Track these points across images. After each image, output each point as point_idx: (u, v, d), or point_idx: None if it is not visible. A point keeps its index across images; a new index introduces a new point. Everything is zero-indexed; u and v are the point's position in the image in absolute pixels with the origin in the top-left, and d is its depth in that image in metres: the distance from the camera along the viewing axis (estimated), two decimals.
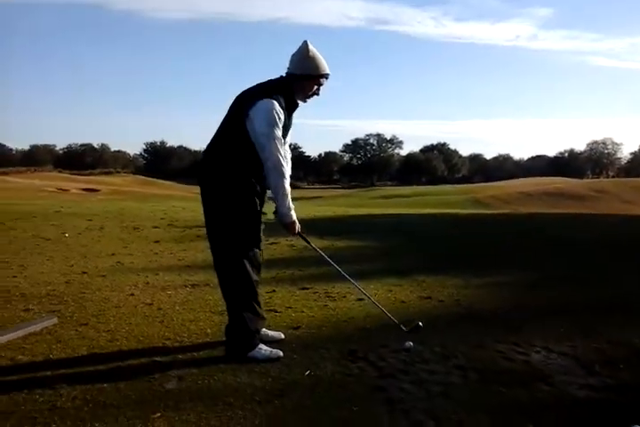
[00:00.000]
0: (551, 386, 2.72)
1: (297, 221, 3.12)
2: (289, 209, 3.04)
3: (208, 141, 3.17)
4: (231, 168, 3.04)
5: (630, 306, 4.31)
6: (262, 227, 3.21)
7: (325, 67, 3.09)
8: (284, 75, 3.11)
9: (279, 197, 3.02)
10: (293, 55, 3.09)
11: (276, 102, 2.93)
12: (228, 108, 3.11)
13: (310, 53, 3.05)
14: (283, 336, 3.36)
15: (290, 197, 3.06)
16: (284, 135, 3.10)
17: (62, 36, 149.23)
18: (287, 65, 3.11)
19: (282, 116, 2.96)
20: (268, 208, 3.19)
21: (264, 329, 3.27)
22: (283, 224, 3.11)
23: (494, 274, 5.64)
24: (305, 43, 3.07)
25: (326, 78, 3.13)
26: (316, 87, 3.12)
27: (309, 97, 3.16)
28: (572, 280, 5.31)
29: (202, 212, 3.15)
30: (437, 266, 6.01)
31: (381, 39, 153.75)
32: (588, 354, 3.18)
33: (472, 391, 2.65)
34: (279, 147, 2.95)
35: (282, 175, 2.98)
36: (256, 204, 3.09)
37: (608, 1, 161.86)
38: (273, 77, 3.13)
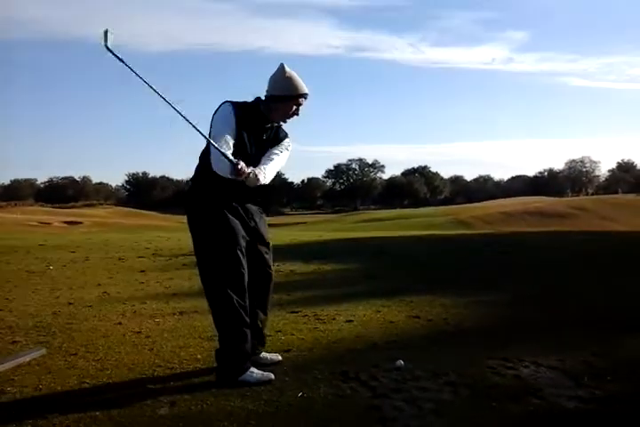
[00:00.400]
0: (541, 399, 2.75)
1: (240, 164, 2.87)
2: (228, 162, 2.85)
3: (192, 170, 3.25)
4: (206, 190, 3.09)
5: (611, 321, 4.37)
6: (264, 250, 3.26)
7: (303, 87, 3.16)
8: (263, 97, 3.19)
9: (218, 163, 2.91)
10: (271, 77, 3.17)
11: (231, 103, 3.08)
12: None
13: (287, 74, 3.13)
14: (280, 358, 3.37)
15: (226, 153, 2.87)
16: (259, 148, 3.14)
17: (41, 70, 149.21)
18: (266, 88, 3.19)
19: (230, 113, 3.03)
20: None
21: (263, 353, 3.30)
22: (236, 176, 2.89)
23: (479, 293, 5.68)
24: (281, 64, 3.16)
25: (305, 98, 3.19)
26: (295, 107, 3.19)
27: (290, 117, 3.23)
28: (555, 297, 5.40)
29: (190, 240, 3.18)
30: (424, 287, 6.06)
31: (360, 66, 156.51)
32: (575, 367, 3.22)
33: (464, 407, 2.67)
34: (219, 140, 2.91)
35: (218, 157, 2.88)
36: (235, 225, 3.06)
37: (580, 22, 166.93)
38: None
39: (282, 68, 3.14)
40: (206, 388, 2.91)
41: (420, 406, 2.68)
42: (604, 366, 3.22)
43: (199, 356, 3.49)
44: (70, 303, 5.31)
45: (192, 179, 3.24)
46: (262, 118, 3.17)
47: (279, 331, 4.12)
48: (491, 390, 2.88)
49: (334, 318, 4.53)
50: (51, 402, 2.75)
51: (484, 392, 2.84)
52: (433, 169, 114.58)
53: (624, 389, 2.89)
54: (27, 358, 3.41)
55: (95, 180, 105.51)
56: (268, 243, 3.32)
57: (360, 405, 2.69)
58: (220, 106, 3.12)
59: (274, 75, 3.16)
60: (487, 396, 2.80)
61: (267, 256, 3.29)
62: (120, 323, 4.45)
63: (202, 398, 2.77)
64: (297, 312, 4.75)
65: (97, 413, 2.59)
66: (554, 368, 3.20)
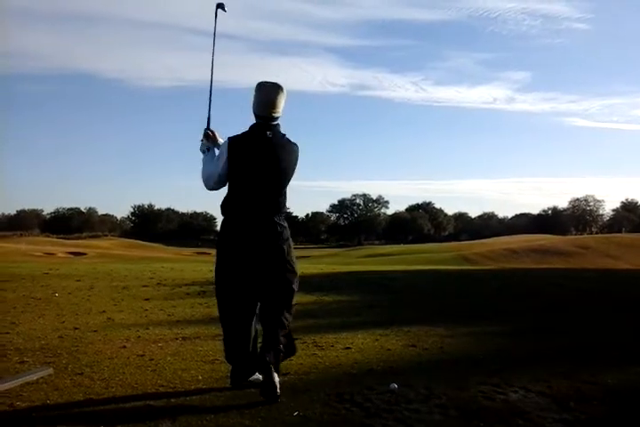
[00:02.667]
0: (527, 421, 2.87)
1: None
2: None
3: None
4: (223, 224, 3.47)
5: (603, 353, 4.47)
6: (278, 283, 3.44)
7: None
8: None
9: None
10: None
11: (225, 140, 3.46)
12: None
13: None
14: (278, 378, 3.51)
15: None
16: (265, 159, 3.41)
17: (48, 103, 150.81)
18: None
19: (224, 148, 3.42)
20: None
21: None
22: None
23: (477, 325, 5.80)
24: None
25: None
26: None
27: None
28: (550, 330, 5.48)
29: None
30: (423, 318, 6.17)
31: (364, 104, 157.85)
32: (563, 392, 3.33)
33: None
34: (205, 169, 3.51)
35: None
36: (236, 259, 3.39)
37: (582, 64, 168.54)
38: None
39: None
40: (206, 406, 3.05)
41: (411, 426, 2.79)
42: (592, 393, 3.33)
43: (200, 377, 3.62)
44: (76, 328, 5.44)
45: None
46: (259, 137, 3.50)
47: None
48: (479, 412, 3.00)
49: (332, 346, 4.65)
50: (58, 416, 2.88)
51: (473, 414, 2.96)
52: (437, 205, 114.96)
53: (609, 413, 3.01)
54: (34, 377, 3.54)
55: (101, 211, 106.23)
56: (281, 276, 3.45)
57: (353, 423, 2.82)
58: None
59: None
60: (476, 417, 2.91)
61: (279, 289, 3.44)
62: (124, 347, 4.58)
63: (202, 414, 2.90)
64: (296, 339, 4.82)
65: (102, 426, 2.72)
66: (542, 394, 3.31)
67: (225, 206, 3.45)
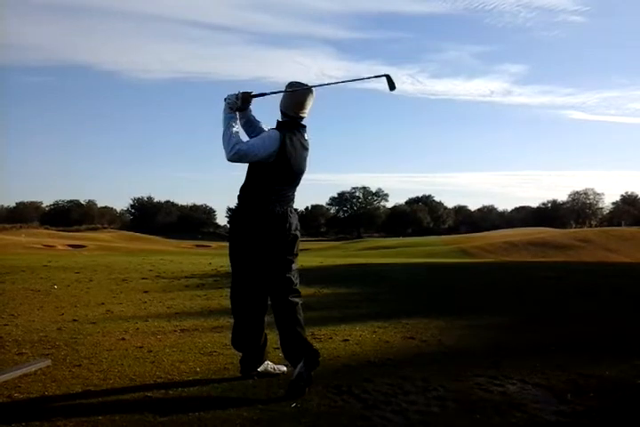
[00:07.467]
0: (524, 413, 2.88)
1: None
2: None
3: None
4: (242, 211, 3.46)
5: (600, 344, 4.49)
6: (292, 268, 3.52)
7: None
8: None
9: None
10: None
11: (276, 131, 3.39)
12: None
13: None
14: (285, 369, 3.61)
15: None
16: (301, 158, 3.49)
17: (47, 95, 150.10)
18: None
19: (274, 138, 3.33)
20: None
21: (270, 363, 3.60)
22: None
23: (475, 317, 5.80)
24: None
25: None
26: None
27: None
28: (548, 323, 5.49)
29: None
30: (421, 310, 6.18)
31: (360, 96, 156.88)
32: (560, 385, 3.34)
33: (449, 418, 2.80)
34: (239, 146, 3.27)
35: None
36: (244, 247, 3.40)
37: (578, 56, 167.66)
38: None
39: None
40: (204, 397, 3.06)
41: (408, 418, 2.81)
42: (589, 385, 3.34)
43: (198, 369, 3.63)
44: (75, 320, 5.45)
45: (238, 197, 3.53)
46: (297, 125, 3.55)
47: (277, 348, 4.22)
48: (477, 404, 3.01)
49: (331, 338, 4.66)
50: (55, 407, 2.89)
51: (470, 406, 2.97)
52: (437, 198, 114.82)
53: (605, 404, 3.01)
54: (32, 368, 3.55)
55: (100, 203, 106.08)
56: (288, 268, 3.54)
57: (350, 415, 2.82)
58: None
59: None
60: (472, 409, 2.92)
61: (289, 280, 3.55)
62: (123, 339, 4.59)
63: (199, 406, 2.91)
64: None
65: (99, 417, 2.73)
66: (539, 386, 3.33)
67: (253, 193, 3.43)
